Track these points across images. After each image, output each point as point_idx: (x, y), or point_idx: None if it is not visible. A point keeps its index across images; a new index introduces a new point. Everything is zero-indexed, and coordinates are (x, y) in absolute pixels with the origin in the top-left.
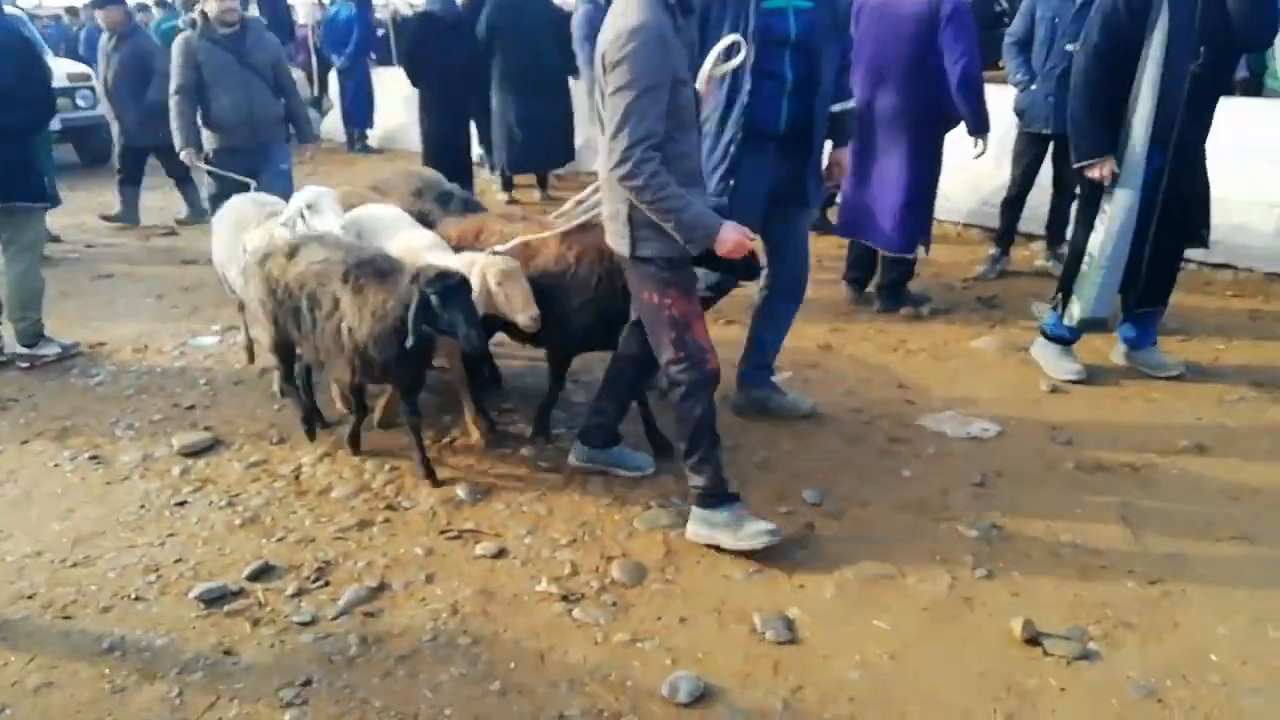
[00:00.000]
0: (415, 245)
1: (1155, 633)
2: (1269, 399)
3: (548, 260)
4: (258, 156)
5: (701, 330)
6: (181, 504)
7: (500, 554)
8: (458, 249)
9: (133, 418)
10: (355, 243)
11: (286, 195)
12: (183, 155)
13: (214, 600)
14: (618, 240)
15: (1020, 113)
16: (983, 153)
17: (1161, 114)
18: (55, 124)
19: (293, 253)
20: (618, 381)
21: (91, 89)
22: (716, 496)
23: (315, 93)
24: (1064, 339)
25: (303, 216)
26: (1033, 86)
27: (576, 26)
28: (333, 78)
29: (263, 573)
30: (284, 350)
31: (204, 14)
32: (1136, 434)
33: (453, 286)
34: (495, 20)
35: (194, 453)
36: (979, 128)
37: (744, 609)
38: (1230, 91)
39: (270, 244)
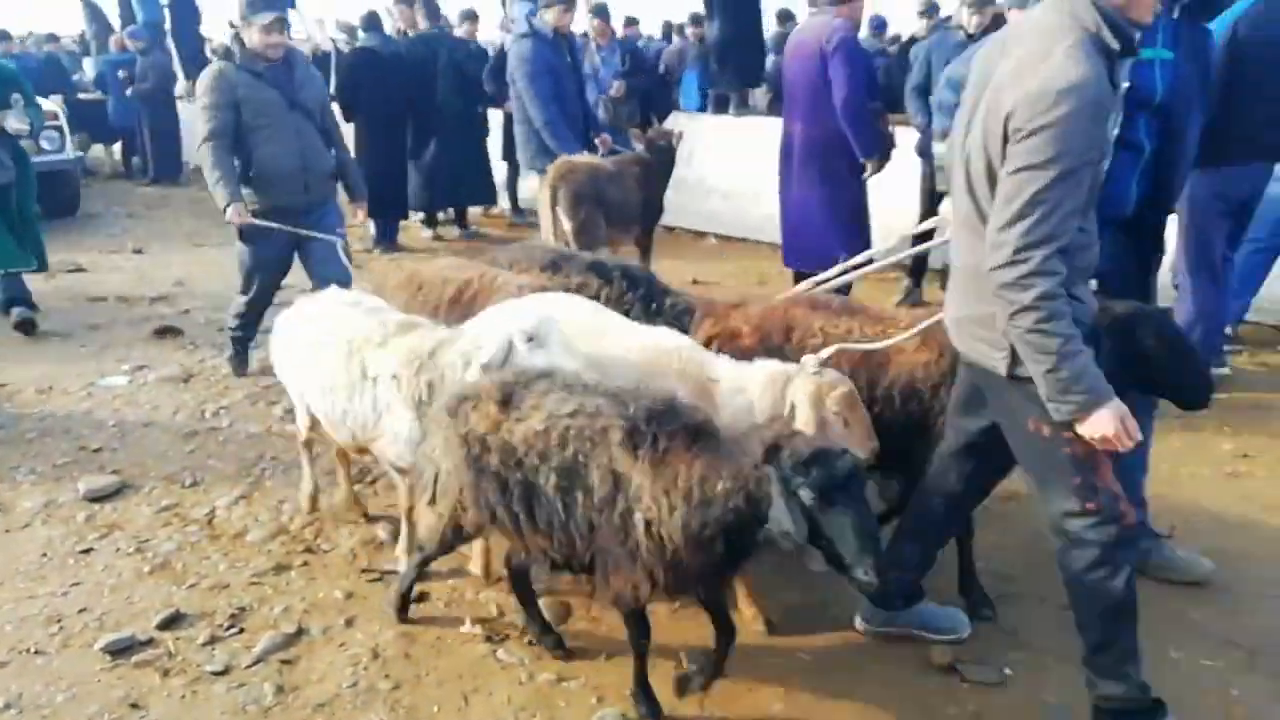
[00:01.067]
0: (668, 359)
1: (1068, 655)
2: None
3: (909, 371)
4: (311, 217)
5: (1111, 473)
6: (86, 551)
7: (423, 597)
8: (744, 350)
9: (35, 462)
10: (620, 387)
11: (339, 271)
12: (230, 214)
13: (121, 651)
14: (984, 351)
15: (921, 153)
16: (870, 174)
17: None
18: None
19: (509, 399)
20: (926, 522)
21: (60, 129)
22: (1141, 713)
23: None
24: None
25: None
26: (932, 127)
27: (516, 59)
28: None
29: (173, 621)
30: (455, 538)
31: (239, 42)
32: None
33: (842, 478)
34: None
35: (100, 498)
36: (866, 152)
37: (670, 645)
38: None
39: (466, 387)
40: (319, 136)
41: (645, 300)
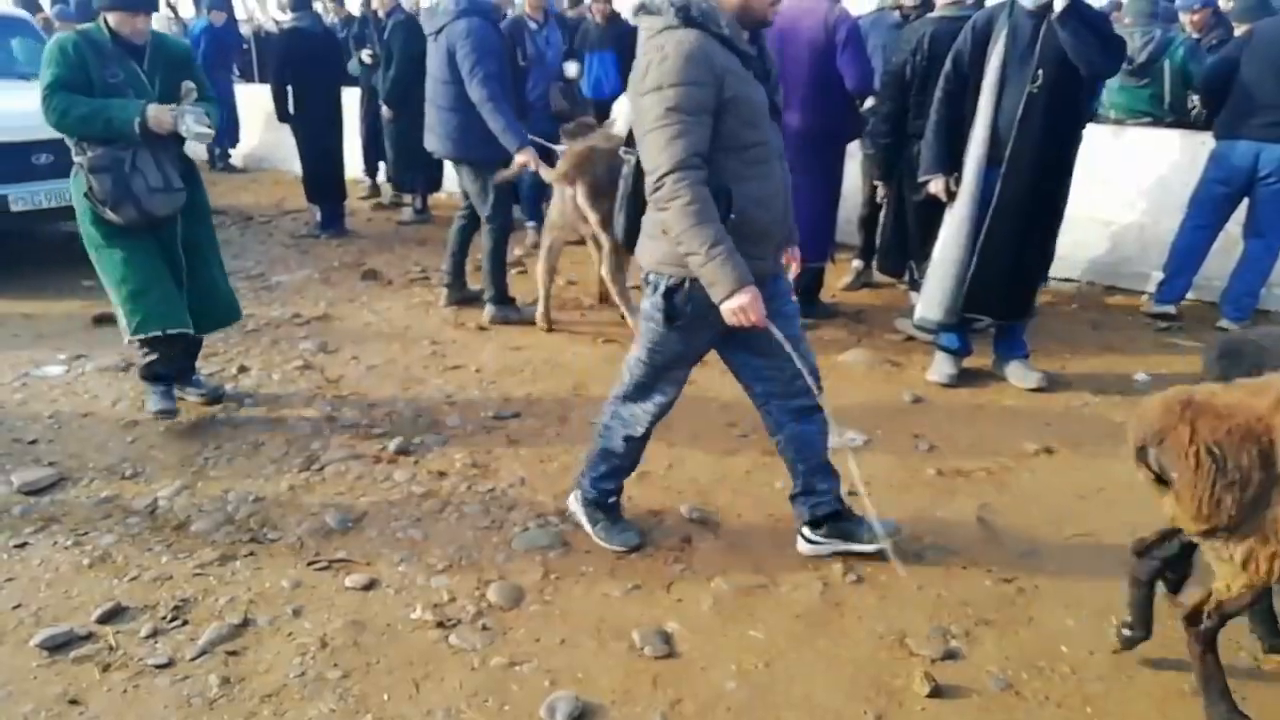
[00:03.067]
0: None
1: (1011, 628)
2: (1109, 404)
3: None
4: None
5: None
6: (21, 545)
7: (372, 584)
8: None
9: None
10: None
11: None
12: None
13: (58, 647)
14: None
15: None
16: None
17: (996, 133)
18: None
19: None
20: None
21: None
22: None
23: None
24: (950, 349)
25: None
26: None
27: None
28: None
29: (114, 615)
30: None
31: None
32: (992, 440)
33: None
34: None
35: (36, 490)
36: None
37: (622, 626)
38: (1087, 113)
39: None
40: None
41: None
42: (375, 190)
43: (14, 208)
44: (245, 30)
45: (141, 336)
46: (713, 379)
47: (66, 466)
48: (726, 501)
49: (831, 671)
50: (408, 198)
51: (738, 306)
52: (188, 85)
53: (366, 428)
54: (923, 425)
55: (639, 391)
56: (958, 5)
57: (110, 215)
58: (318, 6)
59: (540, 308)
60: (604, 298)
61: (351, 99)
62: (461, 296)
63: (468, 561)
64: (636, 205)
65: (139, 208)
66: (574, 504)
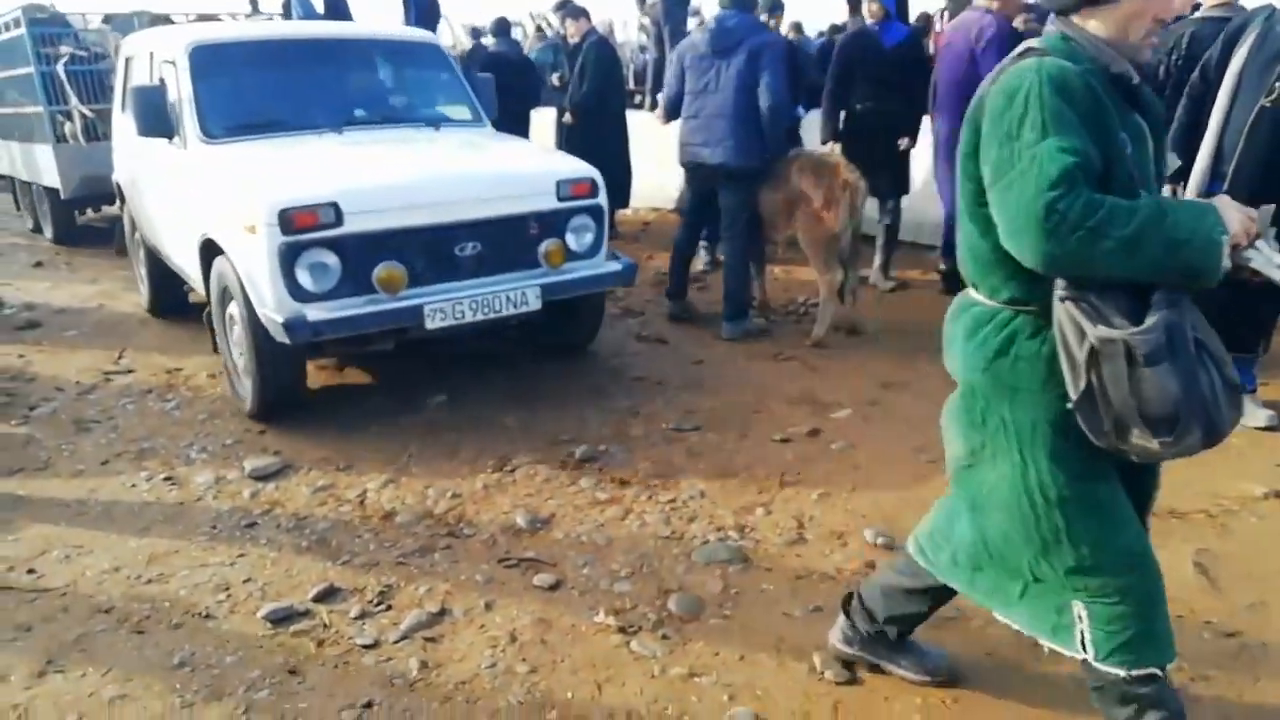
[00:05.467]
0: None
1: (1234, 687)
2: None
3: None
4: None
5: None
6: (251, 525)
7: (558, 584)
8: None
9: (206, 441)
10: None
11: None
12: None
13: (281, 620)
14: None
15: None
16: None
17: (1221, 145)
18: None
19: None
20: None
21: None
22: None
23: None
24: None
25: None
26: None
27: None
28: None
29: (328, 594)
30: None
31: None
32: (1212, 481)
33: None
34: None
35: (264, 476)
36: None
37: (803, 647)
38: None
39: None
40: None
41: None
42: None
43: (431, 323)
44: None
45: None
46: (901, 399)
47: (289, 456)
48: (913, 528)
49: (1020, 713)
50: None
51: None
52: None
53: (555, 435)
54: None
55: None
56: (1225, 6)
57: (1113, 445)
58: (516, 33)
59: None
60: (765, 306)
61: (542, 121)
62: (684, 310)
63: (649, 569)
64: None
65: (1208, 426)
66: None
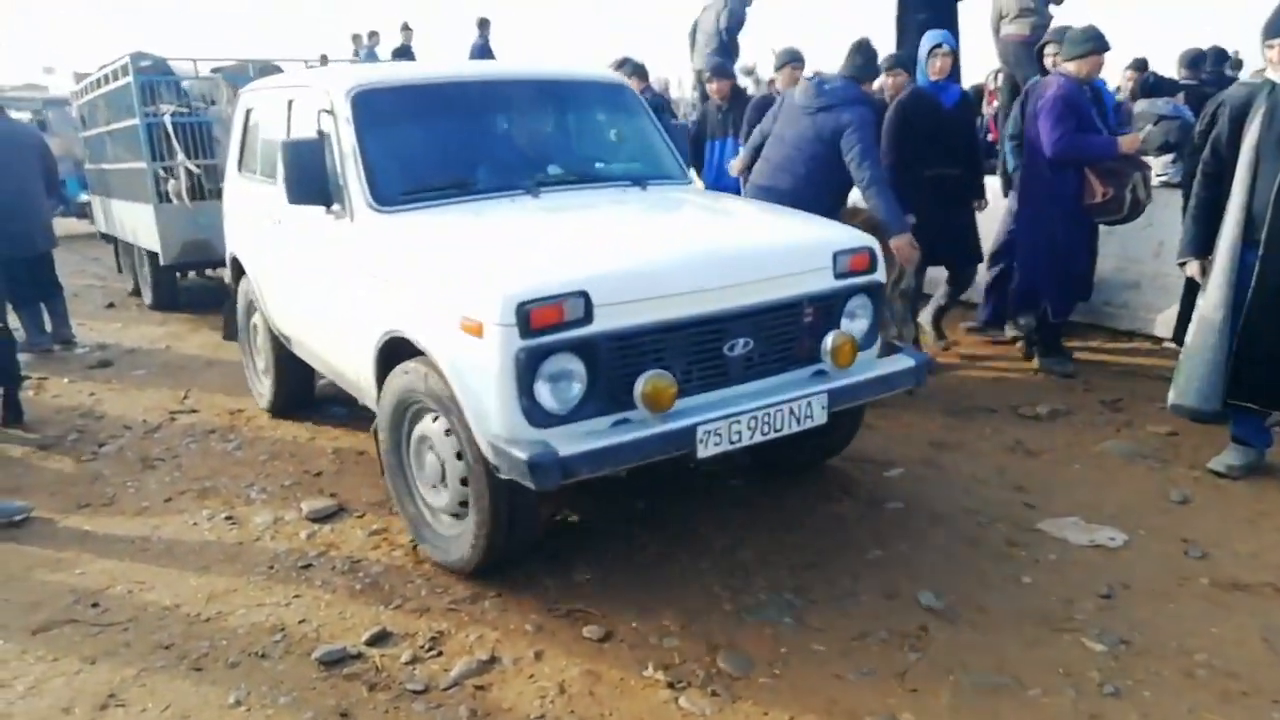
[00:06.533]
0: None
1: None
2: None
3: None
4: None
5: None
6: (307, 566)
7: (607, 636)
8: None
9: (265, 482)
10: None
11: None
12: None
13: (334, 662)
14: None
15: None
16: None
17: (1250, 215)
18: None
19: None
20: None
21: None
22: None
23: None
24: (1245, 440)
25: None
26: None
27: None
28: None
29: (380, 638)
30: None
31: None
32: (1278, 551)
33: None
34: None
35: (320, 518)
36: None
37: (854, 710)
38: None
39: None
40: None
41: None
42: None
43: (704, 451)
44: None
45: None
46: (954, 459)
47: (345, 499)
48: (966, 592)
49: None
50: None
51: None
52: None
53: (614, 484)
54: (1194, 528)
55: None
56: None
57: None
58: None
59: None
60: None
61: None
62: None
63: (699, 625)
64: None
65: None
66: None
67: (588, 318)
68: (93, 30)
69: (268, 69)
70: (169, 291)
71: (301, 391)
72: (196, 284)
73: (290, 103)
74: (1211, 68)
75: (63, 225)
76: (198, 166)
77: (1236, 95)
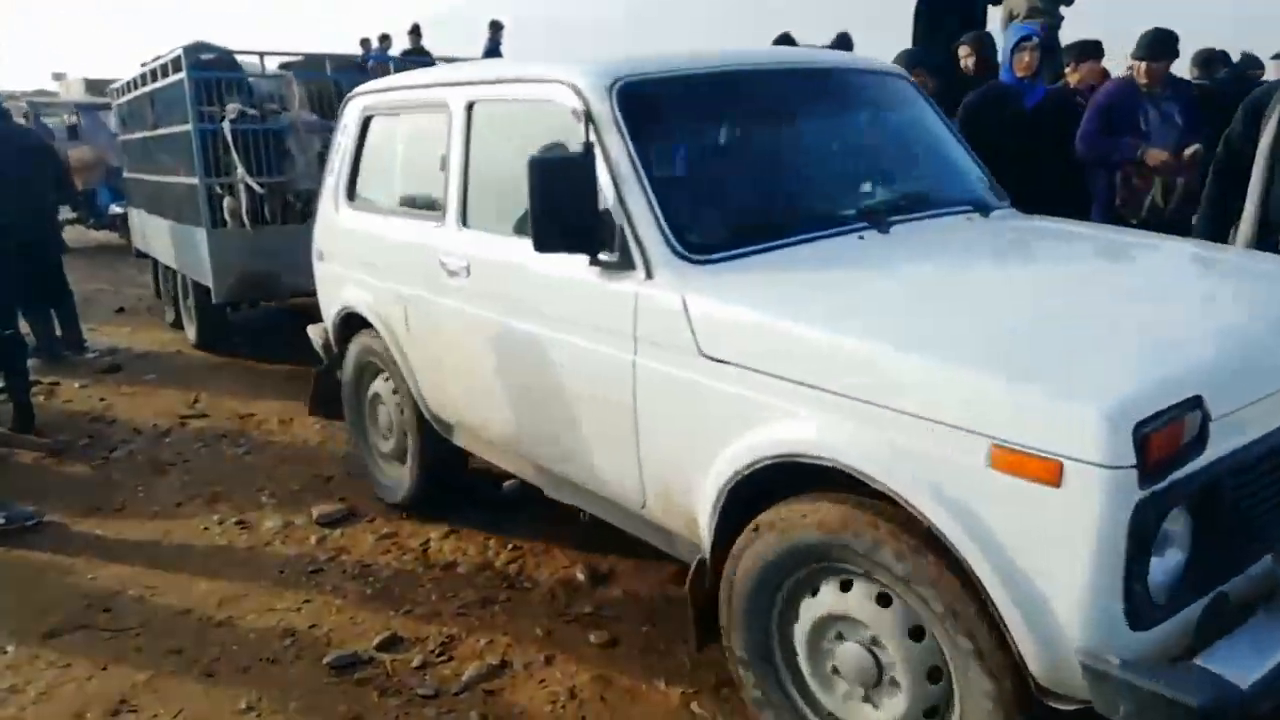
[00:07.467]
0: None
1: None
2: None
3: None
4: None
5: None
6: (317, 571)
7: (615, 642)
8: None
9: (276, 486)
10: None
11: None
12: None
13: (345, 667)
14: None
15: None
16: None
17: (1266, 215)
18: None
19: None
20: None
21: None
22: None
23: None
24: None
25: None
26: None
27: None
28: None
29: (391, 643)
30: None
31: None
32: None
33: None
34: None
35: (330, 523)
36: None
37: None
38: None
39: None
40: None
41: None
42: None
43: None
44: None
45: None
46: None
47: (355, 503)
48: None
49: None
50: None
51: None
52: None
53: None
54: None
55: None
56: None
57: None
58: None
59: None
60: None
61: None
62: None
63: None
64: None
65: None
66: None
67: (1201, 440)
68: (99, 36)
69: (342, 66)
70: (217, 329)
71: (451, 480)
72: (250, 314)
73: (471, 103)
74: (1230, 70)
75: (92, 238)
76: (261, 185)
77: (1256, 94)
